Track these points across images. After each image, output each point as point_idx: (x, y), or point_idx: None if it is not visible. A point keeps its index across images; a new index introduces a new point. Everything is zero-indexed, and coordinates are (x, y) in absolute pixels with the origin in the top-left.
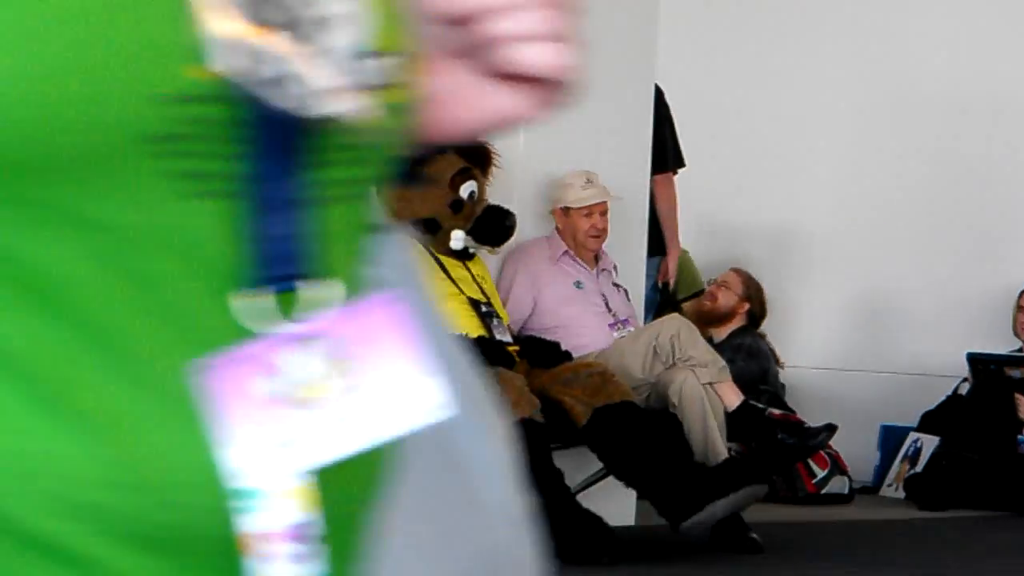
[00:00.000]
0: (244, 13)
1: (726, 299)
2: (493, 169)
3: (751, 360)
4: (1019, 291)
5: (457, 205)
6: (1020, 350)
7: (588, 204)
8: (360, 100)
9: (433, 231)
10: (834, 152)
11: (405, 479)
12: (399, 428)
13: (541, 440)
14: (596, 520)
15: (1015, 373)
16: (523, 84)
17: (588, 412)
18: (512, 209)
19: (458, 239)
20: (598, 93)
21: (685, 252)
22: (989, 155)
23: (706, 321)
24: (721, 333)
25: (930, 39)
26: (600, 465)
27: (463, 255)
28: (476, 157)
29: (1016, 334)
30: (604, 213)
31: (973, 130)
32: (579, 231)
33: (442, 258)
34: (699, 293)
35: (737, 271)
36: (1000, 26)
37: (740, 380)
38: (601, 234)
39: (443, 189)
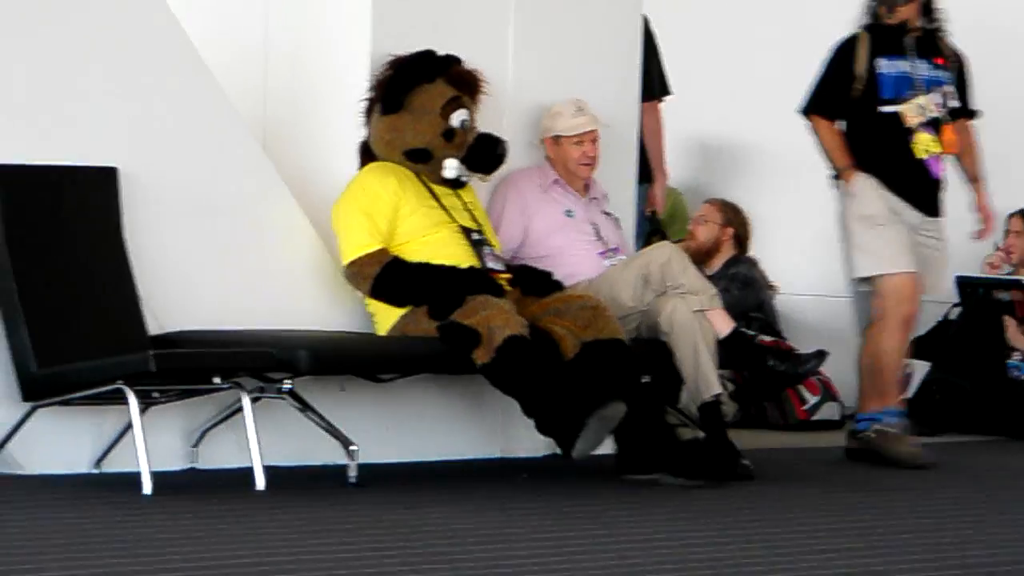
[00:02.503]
0: None
1: (706, 233)
2: (481, 96)
3: (746, 289)
4: (1007, 215)
5: (449, 134)
6: (1010, 274)
7: (579, 132)
8: None
9: (425, 160)
10: None
11: None
12: None
13: (534, 352)
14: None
15: (1004, 296)
16: None
17: (577, 345)
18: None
19: (451, 168)
20: (586, 22)
21: (678, 192)
22: (981, 84)
23: (695, 259)
24: (714, 265)
25: None
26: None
27: (454, 183)
28: (465, 85)
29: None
30: (595, 141)
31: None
32: (570, 159)
33: (433, 187)
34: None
35: (712, 201)
36: None
37: (735, 310)
38: (592, 162)
39: (434, 118)
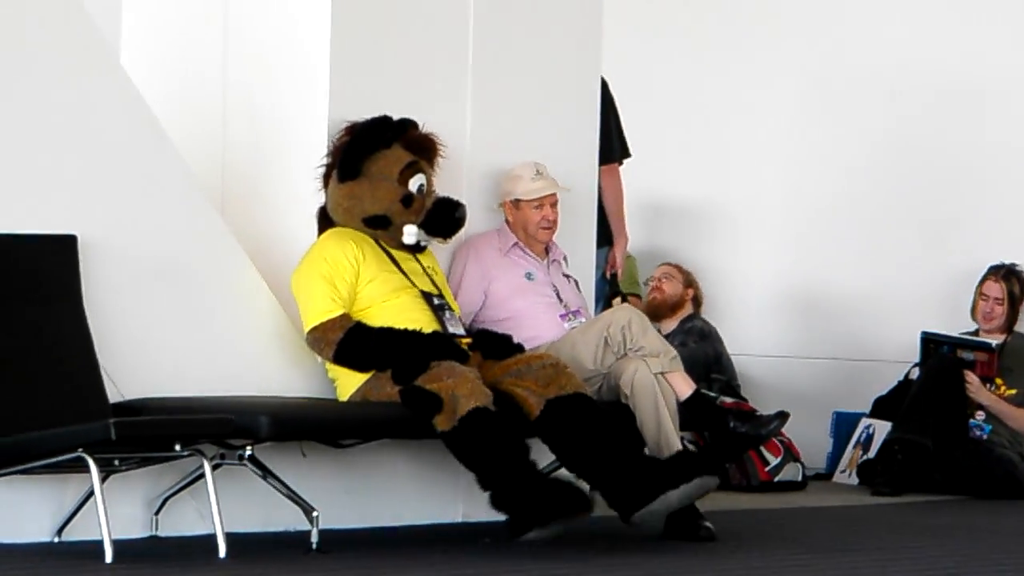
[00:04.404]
0: None
1: (672, 288)
2: (439, 159)
3: (703, 342)
4: (980, 277)
5: (407, 200)
6: (975, 333)
7: (539, 196)
8: None
9: (384, 226)
10: (780, 138)
11: None
12: None
13: (498, 425)
14: (569, 484)
15: (967, 355)
16: None
17: (541, 404)
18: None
19: (411, 234)
20: (544, 84)
21: (629, 255)
22: (936, 141)
23: (657, 313)
24: (672, 323)
25: (872, 25)
26: (552, 457)
27: (414, 248)
28: (422, 148)
29: (973, 318)
30: (554, 204)
31: (919, 115)
32: (530, 223)
33: (393, 251)
34: (632, 295)
35: (669, 264)
36: (944, 11)
37: (694, 362)
38: (552, 226)
39: (392, 184)
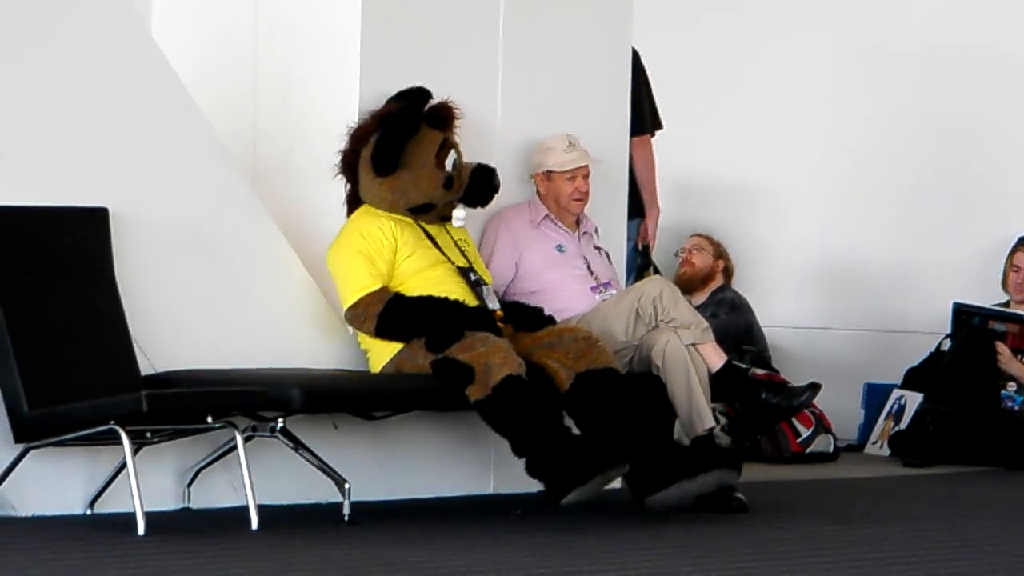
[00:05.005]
0: None
1: (702, 260)
2: (465, 130)
3: (734, 313)
4: (1010, 247)
5: (448, 182)
6: (1006, 304)
7: (572, 168)
8: None
9: (428, 212)
10: (812, 111)
11: None
12: None
13: (531, 393)
14: (602, 442)
15: (999, 327)
16: None
17: (571, 377)
18: None
19: (460, 218)
20: (575, 56)
21: None
22: (968, 111)
23: (688, 287)
24: (703, 294)
25: None
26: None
27: (445, 219)
28: (444, 121)
29: (1004, 289)
30: (586, 176)
31: (950, 86)
32: (562, 195)
33: (426, 226)
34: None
35: (700, 235)
36: None
37: (725, 333)
38: (584, 197)
39: (432, 171)
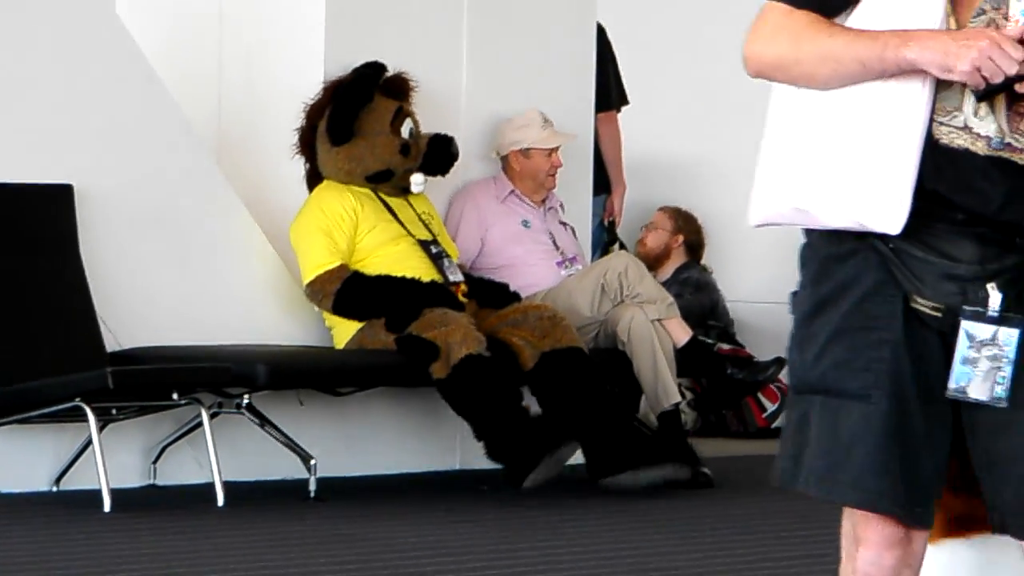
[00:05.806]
0: None
1: (655, 239)
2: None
3: (699, 293)
4: None
5: (405, 149)
6: None
7: (551, 146)
8: None
9: (387, 180)
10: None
11: None
12: None
13: (490, 372)
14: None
15: None
16: None
17: (536, 356)
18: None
19: (418, 183)
20: (540, 32)
21: None
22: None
23: (648, 265)
24: (665, 272)
25: None
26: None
27: (406, 191)
28: (399, 91)
29: None
30: (557, 151)
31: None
32: (540, 171)
33: (388, 200)
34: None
35: (663, 209)
36: None
37: (689, 314)
38: (556, 172)
39: (387, 137)
